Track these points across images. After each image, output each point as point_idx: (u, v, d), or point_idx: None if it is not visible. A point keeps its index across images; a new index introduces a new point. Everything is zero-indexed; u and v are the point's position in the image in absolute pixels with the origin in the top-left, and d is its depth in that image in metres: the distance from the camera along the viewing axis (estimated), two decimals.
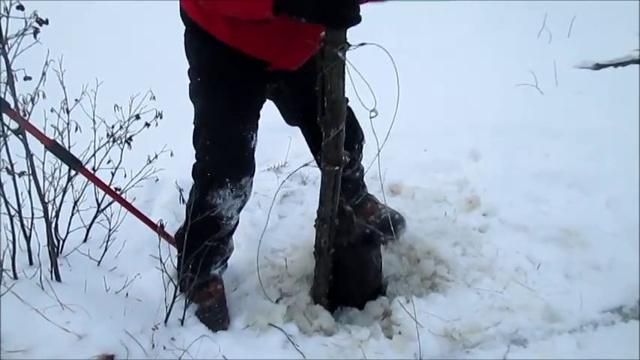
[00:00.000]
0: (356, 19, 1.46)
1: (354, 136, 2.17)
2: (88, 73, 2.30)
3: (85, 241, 2.36)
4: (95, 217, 2.32)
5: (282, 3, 1.45)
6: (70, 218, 2.22)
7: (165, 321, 1.89)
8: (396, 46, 1.72)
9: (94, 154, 2.12)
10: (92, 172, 2.09)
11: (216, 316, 2.01)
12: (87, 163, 2.06)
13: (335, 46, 1.52)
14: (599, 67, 3.98)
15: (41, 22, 1.65)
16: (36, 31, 1.61)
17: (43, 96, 1.82)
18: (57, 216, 2.15)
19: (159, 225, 2.00)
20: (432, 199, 2.69)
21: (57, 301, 1.68)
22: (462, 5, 5.00)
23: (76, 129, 2.03)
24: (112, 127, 2.10)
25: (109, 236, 2.21)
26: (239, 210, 2.06)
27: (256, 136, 1.97)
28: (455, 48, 4.30)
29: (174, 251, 2.08)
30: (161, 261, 1.83)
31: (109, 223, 2.18)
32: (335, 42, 1.52)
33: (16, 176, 1.76)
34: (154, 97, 2.14)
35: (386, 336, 2.02)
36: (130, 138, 2.14)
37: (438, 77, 3.88)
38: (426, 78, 3.88)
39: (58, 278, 1.91)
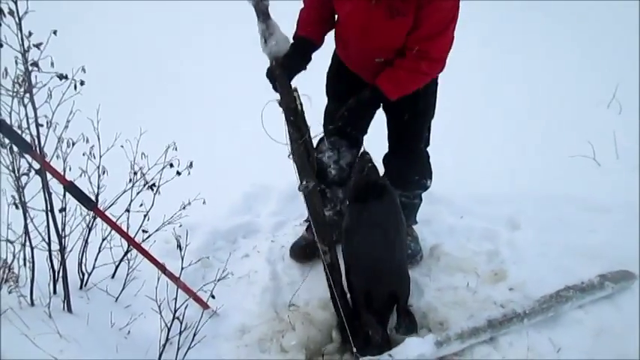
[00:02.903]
0: None
1: (415, 171, 2.52)
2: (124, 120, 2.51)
3: (112, 277, 2.50)
4: (124, 255, 2.46)
5: None
6: (97, 254, 2.38)
7: None
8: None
9: (117, 198, 2.26)
10: (110, 214, 2.23)
11: (297, 250, 2.64)
12: (110, 206, 2.22)
13: None
14: None
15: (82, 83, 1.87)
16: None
17: (68, 144, 2.00)
18: (83, 251, 2.32)
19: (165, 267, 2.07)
20: (457, 268, 2.60)
21: (56, 331, 1.79)
22: (535, 63, 4.92)
23: (104, 172, 2.19)
24: (136, 173, 2.24)
25: (127, 274, 2.34)
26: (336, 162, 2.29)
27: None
28: (513, 109, 4.19)
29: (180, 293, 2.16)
30: (157, 302, 1.90)
31: (128, 262, 2.31)
32: None
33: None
34: (176, 148, 2.27)
35: None
36: (154, 184, 2.28)
37: (489, 138, 3.79)
38: (477, 138, 3.83)
39: (69, 309, 2.03)
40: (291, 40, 2.17)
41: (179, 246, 1.86)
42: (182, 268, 1.92)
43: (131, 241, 2.20)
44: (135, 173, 2.28)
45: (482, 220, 2.93)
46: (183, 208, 2.59)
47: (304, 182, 2.07)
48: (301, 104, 2.00)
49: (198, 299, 2.24)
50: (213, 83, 4.70)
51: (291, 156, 2.12)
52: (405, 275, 2.27)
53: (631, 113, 4.16)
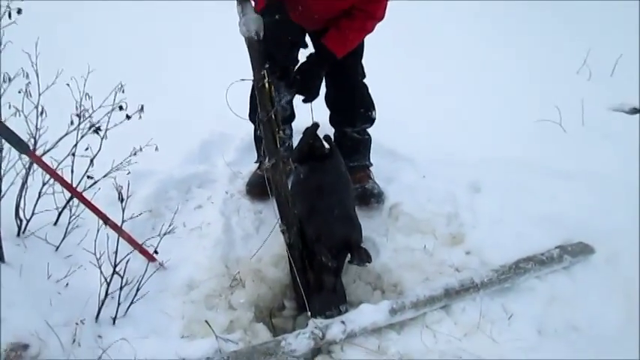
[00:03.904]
0: None
1: (358, 103, 2.66)
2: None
3: (55, 224, 2.36)
4: (67, 202, 2.32)
5: None
6: (37, 199, 2.23)
7: (97, 317, 1.85)
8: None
9: (57, 142, 2.11)
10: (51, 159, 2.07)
11: (254, 187, 2.63)
12: (49, 150, 2.06)
13: None
14: (635, 111, 3.72)
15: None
16: None
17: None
18: (21, 195, 2.16)
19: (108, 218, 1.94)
20: (416, 229, 2.54)
21: None
22: (504, 28, 4.83)
23: (42, 112, 2.02)
24: (79, 115, 2.08)
25: (69, 222, 2.20)
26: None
27: None
28: (480, 71, 4.11)
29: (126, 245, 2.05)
30: (96, 256, 1.78)
31: (70, 209, 2.17)
32: None
33: None
34: (123, 90, 2.11)
35: None
36: (99, 128, 2.13)
37: (457, 99, 3.72)
38: (445, 99, 3.74)
39: (1, 258, 1.90)
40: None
41: (121, 197, 1.72)
42: (123, 221, 1.80)
43: (70, 189, 2.05)
44: (78, 116, 2.10)
45: (443, 182, 2.86)
46: (134, 154, 2.45)
47: (267, 160, 1.98)
48: (269, 83, 1.89)
49: (143, 251, 2.13)
50: (174, 20, 4.46)
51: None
52: (357, 223, 2.24)
53: (600, 80, 4.15)
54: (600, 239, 2.51)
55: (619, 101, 3.87)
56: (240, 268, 2.25)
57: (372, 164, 2.84)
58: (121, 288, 1.81)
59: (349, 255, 2.13)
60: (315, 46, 2.35)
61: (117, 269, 1.81)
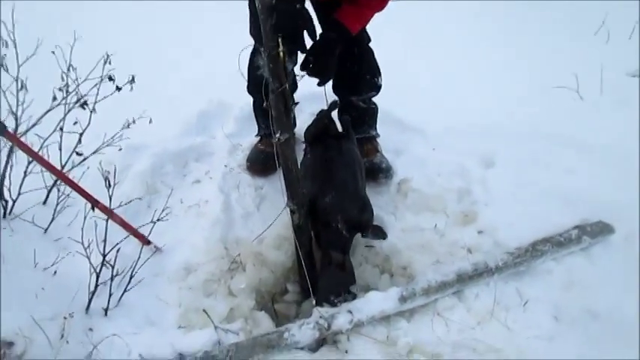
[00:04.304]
0: None
1: (364, 68, 2.48)
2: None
3: (44, 203, 2.24)
4: (55, 182, 2.18)
5: None
6: (23, 178, 2.10)
7: (87, 309, 1.73)
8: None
9: (39, 119, 1.96)
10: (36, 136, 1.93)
11: (255, 163, 2.54)
12: (31, 127, 1.91)
13: None
14: None
15: None
16: None
17: None
18: (4, 175, 2.03)
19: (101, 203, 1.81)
20: (425, 207, 2.41)
21: None
22: None
23: (22, 87, 1.87)
24: (61, 89, 1.92)
25: (57, 202, 2.07)
26: None
27: None
28: (496, 36, 3.91)
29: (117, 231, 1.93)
30: (83, 245, 1.65)
31: (58, 190, 2.04)
32: None
33: None
34: (110, 62, 1.94)
35: None
36: (86, 102, 1.97)
37: (469, 67, 3.53)
38: (457, 67, 3.56)
39: None
40: None
41: (108, 182, 1.58)
42: (111, 210, 1.66)
43: (54, 171, 1.91)
44: (61, 89, 1.94)
45: (455, 154, 2.71)
46: (127, 126, 2.31)
47: (278, 134, 1.82)
48: (284, 52, 1.70)
49: (137, 234, 2.00)
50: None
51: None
52: (369, 204, 2.14)
53: (618, 43, 3.93)
54: (619, 216, 2.35)
55: (637, 66, 3.67)
56: (240, 250, 2.13)
57: (379, 135, 2.69)
58: (112, 278, 1.68)
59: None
60: (327, 23, 2.14)
61: (107, 258, 1.68)
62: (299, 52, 2.02)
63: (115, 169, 1.67)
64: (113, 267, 1.67)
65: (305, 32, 1.83)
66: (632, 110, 3.15)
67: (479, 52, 3.73)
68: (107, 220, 1.64)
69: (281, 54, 1.74)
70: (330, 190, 2.07)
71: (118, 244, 1.69)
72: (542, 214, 2.35)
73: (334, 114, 2.45)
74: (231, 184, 2.52)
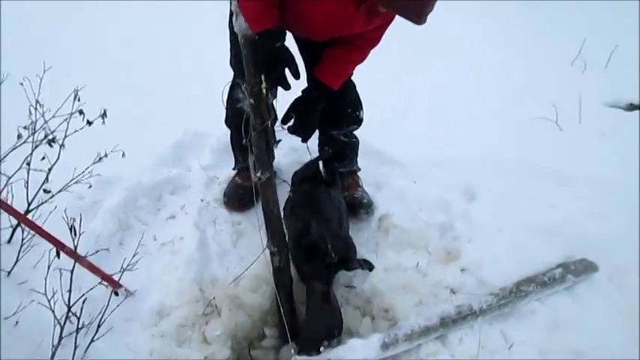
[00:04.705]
0: None
1: (345, 102, 2.38)
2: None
3: (9, 241, 2.13)
4: (28, 207, 2.09)
5: None
6: None
7: None
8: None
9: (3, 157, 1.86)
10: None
11: (233, 198, 2.45)
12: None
13: None
14: (632, 108, 3.56)
15: None
16: None
17: None
18: None
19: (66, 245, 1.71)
20: (407, 244, 2.35)
21: None
22: (498, 26, 4.59)
23: None
24: (26, 127, 1.83)
25: (22, 242, 1.96)
26: None
27: None
28: (472, 69, 3.90)
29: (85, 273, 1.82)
30: (46, 296, 1.55)
31: (22, 230, 1.94)
32: None
33: None
34: (77, 97, 1.87)
35: None
36: (53, 139, 1.88)
37: (446, 96, 3.52)
38: (433, 97, 3.55)
39: None
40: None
41: (73, 230, 1.49)
42: (78, 255, 1.56)
43: (16, 215, 1.80)
44: (25, 127, 1.85)
45: (436, 187, 2.66)
46: (99, 160, 2.24)
47: (259, 173, 1.76)
48: (267, 88, 1.65)
49: (107, 278, 1.90)
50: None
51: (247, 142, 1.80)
52: (353, 244, 2.15)
53: (595, 72, 3.97)
54: (602, 251, 2.33)
55: (615, 95, 3.70)
56: (215, 292, 2.04)
57: (359, 169, 2.63)
58: (77, 331, 1.58)
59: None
60: (309, 78, 2.10)
61: (74, 309, 1.58)
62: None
63: (81, 217, 1.56)
64: (79, 318, 1.57)
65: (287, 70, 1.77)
66: (611, 140, 3.18)
67: (456, 84, 3.72)
68: (72, 269, 1.54)
69: (264, 90, 1.68)
70: (317, 224, 2.04)
71: (84, 294, 1.59)
72: (526, 249, 2.31)
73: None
74: (208, 219, 2.44)
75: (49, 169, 2.13)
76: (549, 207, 2.58)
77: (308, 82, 2.08)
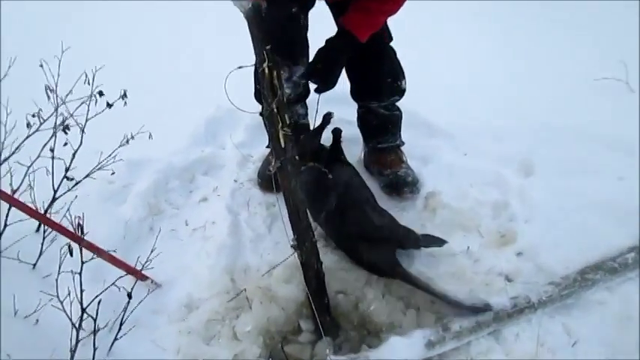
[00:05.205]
0: None
1: (385, 71, 2.20)
2: None
3: (37, 230, 2.06)
4: (51, 203, 2.01)
5: None
6: (9, 208, 1.91)
7: None
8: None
9: (13, 152, 1.77)
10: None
11: (267, 179, 2.26)
12: (8, 157, 1.72)
13: None
14: None
15: None
16: None
17: None
18: None
19: (79, 236, 1.59)
20: (457, 224, 2.15)
21: None
22: None
23: None
24: (34, 115, 1.72)
25: (44, 234, 1.88)
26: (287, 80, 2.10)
27: None
28: (532, 20, 3.55)
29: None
30: (59, 299, 1.45)
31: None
32: None
33: None
34: (93, 79, 1.74)
35: None
36: (67, 126, 1.77)
37: (502, 57, 3.21)
38: (488, 57, 3.25)
39: None
40: None
41: (80, 229, 1.36)
42: (98, 247, 1.45)
43: (35, 215, 1.70)
44: (33, 115, 1.74)
45: (489, 160, 2.43)
46: (126, 142, 2.14)
47: (273, 162, 1.60)
48: (270, 67, 1.46)
49: (130, 270, 1.79)
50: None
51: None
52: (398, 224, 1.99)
53: None
54: None
55: None
56: (247, 283, 1.91)
57: (403, 143, 2.42)
58: (95, 332, 1.48)
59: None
60: (336, 25, 1.96)
61: (91, 307, 1.47)
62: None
63: (83, 216, 1.43)
64: (95, 320, 1.46)
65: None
66: None
67: (509, 43, 3.40)
68: (80, 271, 1.42)
69: (266, 70, 1.49)
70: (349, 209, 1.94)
71: (98, 294, 1.47)
72: (592, 231, 2.05)
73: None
74: (241, 201, 2.30)
75: (73, 155, 2.03)
76: (619, 181, 2.30)
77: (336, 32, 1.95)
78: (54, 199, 2.00)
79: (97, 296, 1.45)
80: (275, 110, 1.54)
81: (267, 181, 2.30)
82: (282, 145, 1.58)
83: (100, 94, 1.94)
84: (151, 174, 2.38)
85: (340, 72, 1.96)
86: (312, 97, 2.32)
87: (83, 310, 1.41)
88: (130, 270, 1.76)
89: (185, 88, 3.00)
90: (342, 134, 2.20)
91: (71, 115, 1.89)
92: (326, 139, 2.20)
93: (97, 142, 2.03)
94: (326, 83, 1.92)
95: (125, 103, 1.97)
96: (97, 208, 2.19)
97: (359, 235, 1.89)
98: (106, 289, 1.50)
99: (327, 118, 2.10)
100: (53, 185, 2.01)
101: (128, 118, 2.06)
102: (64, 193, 2.02)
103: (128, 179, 2.37)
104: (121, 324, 1.62)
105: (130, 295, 1.51)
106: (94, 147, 2.07)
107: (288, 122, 1.57)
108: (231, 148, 2.57)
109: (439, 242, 1.95)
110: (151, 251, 1.71)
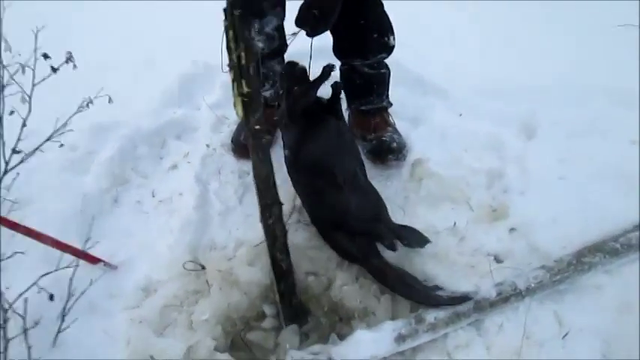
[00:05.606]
0: None
1: (371, 25, 2.00)
2: None
3: None
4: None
5: None
6: None
7: None
8: None
9: None
10: None
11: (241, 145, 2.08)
12: None
13: None
14: None
15: None
16: None
17: None
18: None
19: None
20: (444, 196, 1.95)
21: None
22: None
23: None
24: None
25: None
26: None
27: None
28: None
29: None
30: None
31: None
32: None
33: None
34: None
35: None
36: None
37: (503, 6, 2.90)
38: (485, 10, 2.94)
39: None
40: None
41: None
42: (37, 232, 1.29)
43: None
44: None
45: (487, 121, 2.19)
46: (87, 105, 1.94)
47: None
48: (234, 23, 1.24)
49: (79, 254, 1.65)
50: None
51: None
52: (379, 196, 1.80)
53: None
54: None
55: None
56: (210, 263, 1.76)
57: (391, 104, 2.19)
58: (25, 331, 1.34)
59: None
60: None
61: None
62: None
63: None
64: (24, 317, 1.32)
65: None
66: None
67: None
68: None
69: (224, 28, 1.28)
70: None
71: (25, 291, 1.33)
72: (595, 205, 1.83)
73: None
74: (212, 169, 2.13)
75: (23, 124, 1.85)
76: (632, 145, 2.06)
77: None
78: (5, 173, 1.84)
79: (20, 294, 1.30)
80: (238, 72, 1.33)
81: (241, 147, 2.11)
82: (240, 115, 1.39)
83: (45, 56, 1.74)
84: (117, 139, 2.20)
85: (336, 17, 1.72)
86: (291, 51, 2.09)
87: (6, 311, 1.27)
88: (77, 253, 1.61)
89: (158, 42, 2.78)
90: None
91: (11, 77, 1.69)
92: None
93: (60, 110, 1.86)
94: (312, 27, 1.70)
95: (74, 66, 1.77)
96: (56, 178, 2.05)
97: (332, 221, 1.70)
98: (29, 287, 1.34)
99: (328, 70, 1.83)
100: (4, 157, 1.86)
101: (98, 79, 1.87)
102: (14, 166, 1.86)
103: (93, 146, 2.20)
104: (62, 317, 1.48)
105: (51, 297, 1.36)
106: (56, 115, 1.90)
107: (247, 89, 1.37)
108: (206, 108, 2.37)
109: (422, 243, 1.72)
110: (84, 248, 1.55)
